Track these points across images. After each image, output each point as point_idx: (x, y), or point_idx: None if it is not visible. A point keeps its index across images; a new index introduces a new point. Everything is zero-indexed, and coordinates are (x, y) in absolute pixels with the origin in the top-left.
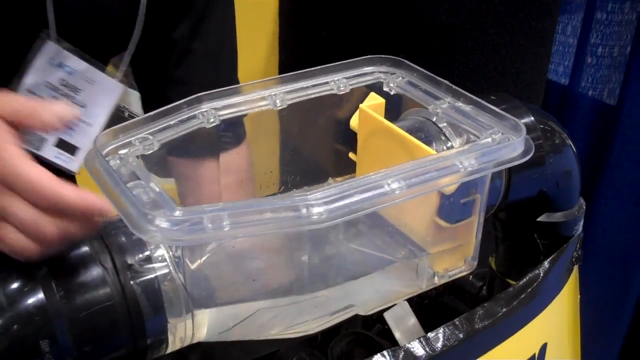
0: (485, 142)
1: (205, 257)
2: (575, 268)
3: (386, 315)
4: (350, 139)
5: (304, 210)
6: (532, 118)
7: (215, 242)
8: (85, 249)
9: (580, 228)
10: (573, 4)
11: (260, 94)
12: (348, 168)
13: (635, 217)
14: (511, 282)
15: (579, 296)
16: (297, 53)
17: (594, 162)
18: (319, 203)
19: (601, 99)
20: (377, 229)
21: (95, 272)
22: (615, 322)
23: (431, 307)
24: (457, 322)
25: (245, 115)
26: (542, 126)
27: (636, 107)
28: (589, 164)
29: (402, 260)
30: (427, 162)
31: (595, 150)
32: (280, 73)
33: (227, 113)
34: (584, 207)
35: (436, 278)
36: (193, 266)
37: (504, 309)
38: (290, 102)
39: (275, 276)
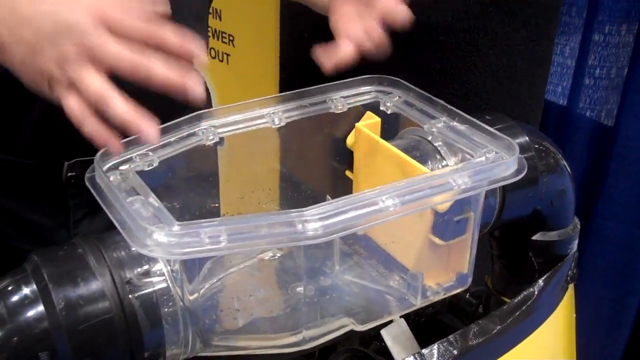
0: (479, 161)
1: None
2: (571, 287)
3: (383, 332)
4: (347, 157)
5: (299, 226)
6: (527, 138)
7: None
8: (84, 262)
9: (575, 247)
10: (571, 26)
11: (260, 112)
12: (345, 186)
13: (631, 236)
14: (507, 300)
15: (574, 315)
16: (297, 72)
17: (591, 182)
18: (314, 219)
19: (599, 119)
20: (372, 259)
21: (94, 285)
22: (611, 341)
23: (428, 325)
24: (452, 339)
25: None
26: (536, 146)
27: (633, 128)
28: (586, 184)
29: (396, 289)
30: (421, 180)
31: (592, 170)
32: (280, 91)
33: (226, 131)
34: (579, 226)
35: (430, 294)
36: (191, 281)
37: (499, 327)
38: (288, 120)
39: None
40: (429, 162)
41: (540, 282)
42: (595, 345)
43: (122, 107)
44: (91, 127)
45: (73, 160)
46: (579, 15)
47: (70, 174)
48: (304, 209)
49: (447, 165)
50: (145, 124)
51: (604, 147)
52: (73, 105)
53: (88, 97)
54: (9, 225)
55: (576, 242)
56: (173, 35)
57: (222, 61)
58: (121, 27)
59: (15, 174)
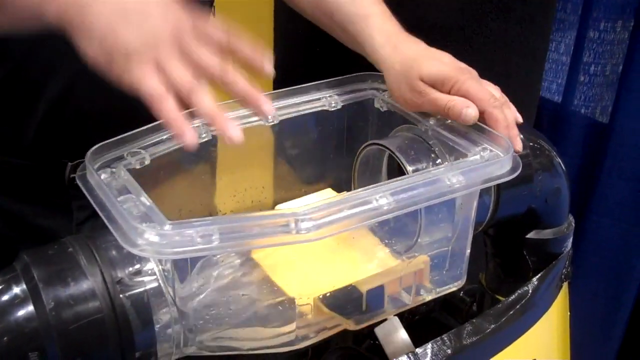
0: (474, 159)
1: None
2: (565, 285)
3: (377, 330)
4: (341, 156)
5: (292, 225)
6: (521, 136)
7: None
8: (75, 262)
9: (570, 245)
10: (566, 22)
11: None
12: (340, 184)
13: (626, 234)
14: (501, 298)
15: (568, 313)
16: (292, 69)
17: (586, 180)
18: (307, 218)
19: (593, 116)
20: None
21: (85, 285)
22: (606, 339)
23: (422, 323)
24: (445, 338)
25: None
26: (531, 144)
27: (628, 125)
28: (581, 181)
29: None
30: (415, 179)
31: (587, 167)
32: (274, 89)
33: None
34: (573, 225)
35: (423, 293)
36: (183, 281)
37: (493, 325)
38: (282, 117)
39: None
40: (423, 161)
41: (535, 280)
42: (590, 344)
43: (210, 102)
44: (171, 109)
45: (76, 161)
46: (574, 12)
47: (73, 175)
48: (296, 207)
49: (441, 164)
50: (231, 124)
51: (599, 145)
52: (155, 85)
53: (175, 83)
54: (11, 228)
55: (570, 240)
56: (247, 46)
57: None
58: (203, 34)
59: (17, 176)
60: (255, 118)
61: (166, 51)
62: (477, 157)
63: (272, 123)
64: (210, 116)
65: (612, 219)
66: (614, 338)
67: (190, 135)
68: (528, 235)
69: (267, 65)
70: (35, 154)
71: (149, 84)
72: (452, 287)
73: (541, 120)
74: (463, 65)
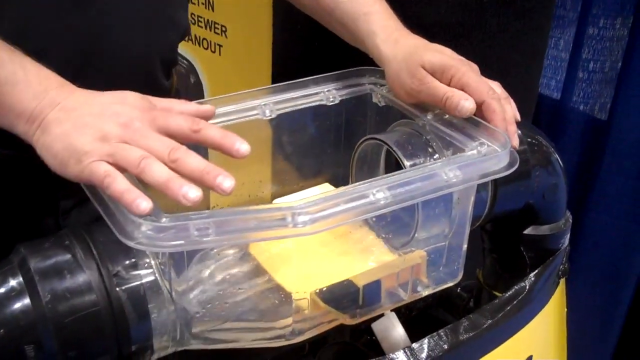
0: (471, 154)
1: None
2: (562, 281)
3: (373, 326)
4: (338, 150)
5: (289, 219)
6: (519, 132)
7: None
8: (72, 254)
9: (567, 241)
10: (565, 19)
11: (251, 104)
12: (337, 178)
13: (624, 231)
14: (498, 294)
15: (565, 309)
16: (290, 63)
17: (584, 176)
18: (304, 212)
19: (592, 113)
20: None
21: (81, 278)
22: (603, 335)
23: (419, 319)
24: (442, 333)
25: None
26: (529, 139)
27: (626, 122)
28: (580, 177)
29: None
30: (412, 173)
31: (585, 164)
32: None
33: (216, 122)
34: (571, 221)
35: (420, 289)
36: (179, 274)
37: (489, 321)
38: (280, 112)
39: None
40: (421, 156)
41: (532, 276)
42: (587, 340)
43: (196, 160)
44: (120, 184)
45: None
46: (573, 9)
47: None
48: (293, 201)
49: (438, 159)
50: (222, 175)
51: (597, 141)
52: (104, 168)
53: (136, 159)
54: None
55: (568, 236)
56: (216, 131)
57: (214, 52)
58: (165, 123)
59: (2, 166)
60: (253, 112)
61: (118, 143)
62: (475, 152)
63: (270, 117)
64: (202, 174)
65: (610, 215)
66: (612, 335)
67: (143, 205)
68: (525, 231)
69: (240, 146)
70: (20, 144)
71: (99, 170)
72: (449, 283)
73: (540, 116)
74: (464, 59)
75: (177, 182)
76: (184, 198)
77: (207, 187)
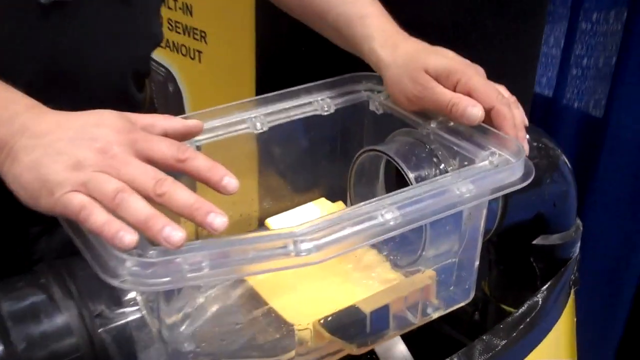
0: (483, 165)
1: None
2: (573, 291)
3: (378, 350)
4: (334, 163)
5: (290, 247)
6: (528, 137)
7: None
8: (48, 294)
9: (577, 250)
10: (555, 14)
11: (240, 117)
12: (332, 195)
13: (623, 230)
14: (506, 307)
15: (575, 319)
16: (275, 71)
17: (581, 176)
18: (307, 238)
19: (587, 110)
20: None
21: (59, 320)
22: (605, 335)
23: (422, 334)
24: (456, 358)
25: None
26: (535, 143)
27: (623, 118)
28: (576, 177)
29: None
30: (422, 190)
31: (582, 163)
32: (257, 92)
33: (203, 138)
34: (581, 228)
35: (430, 311)
36: (169, 311)
37: (504, 341)
38: (271, 124)
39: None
40: (426, 167)
41: (544, 290)
42: (589, 340)
43: (184, 194)
44: (103, 217)
45: None
46: (563, 4)
47: None
48: (294, 226)
49: (445, 170)
50: (214, 213)
51: (594, 139)
52: (82, 198)
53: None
54: None
55: (578, 244)
56: (203, 162)
57: (193, 59)
58: (147, 148)
59: None
60: (242, 126)
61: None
62: (487, 162)
63: (262, 130)
64: (192, 209)
65: (609, 214)
66: (613, 336)
67: (127, 235)
68: (534, 241)
69: (229, 181)
70: None
71: (73, 203)
72: (461, 303)
73: (533, 115)
74: (469, 62)
75: (159, 221)
76: (165, 241)
77: (196, 224)
